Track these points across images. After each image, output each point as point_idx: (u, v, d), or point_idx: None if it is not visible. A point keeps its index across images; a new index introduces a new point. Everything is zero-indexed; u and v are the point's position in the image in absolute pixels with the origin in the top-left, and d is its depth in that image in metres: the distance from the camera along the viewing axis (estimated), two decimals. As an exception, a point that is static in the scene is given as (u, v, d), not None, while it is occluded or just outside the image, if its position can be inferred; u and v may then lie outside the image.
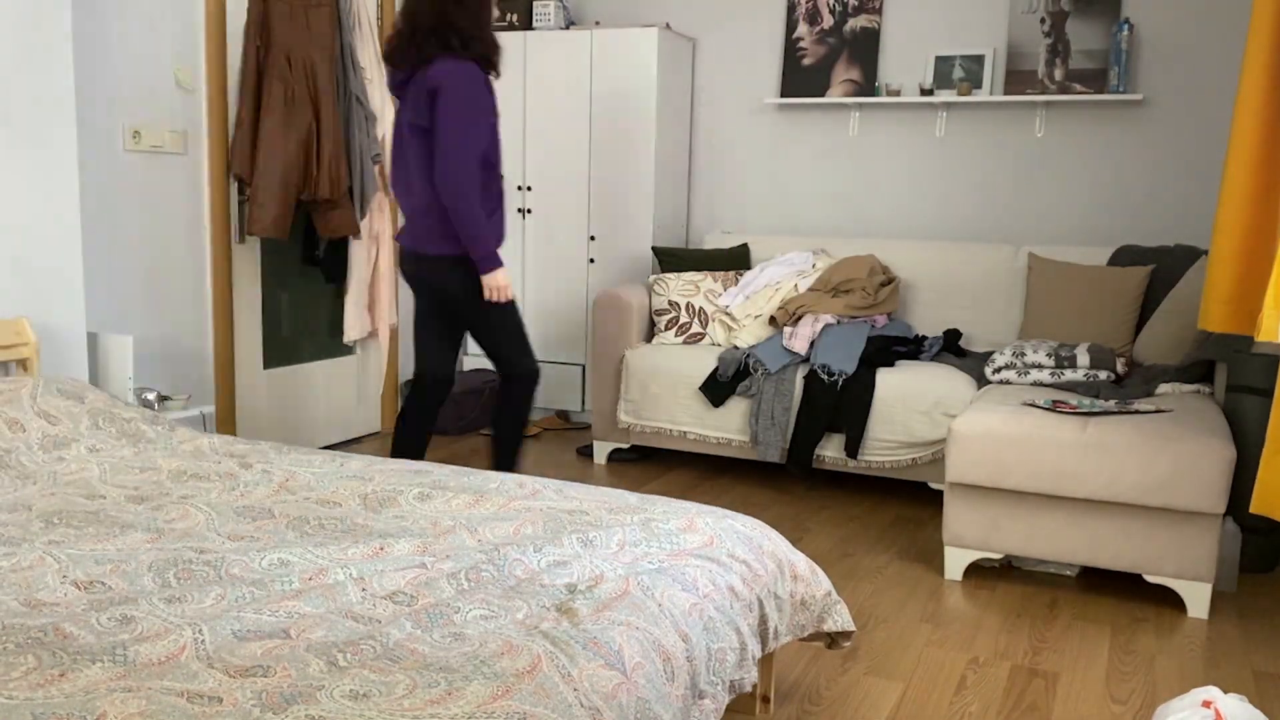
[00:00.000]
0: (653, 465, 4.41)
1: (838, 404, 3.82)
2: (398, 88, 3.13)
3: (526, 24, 4.99)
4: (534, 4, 4.97)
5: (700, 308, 4.36)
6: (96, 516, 2.03)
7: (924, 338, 4.17)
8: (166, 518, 2.04)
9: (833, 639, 2.26)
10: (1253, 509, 2.46)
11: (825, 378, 3.85)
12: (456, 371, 5.16)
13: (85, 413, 2.62)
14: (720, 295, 4.37)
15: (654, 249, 4.64)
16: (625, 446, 4.41)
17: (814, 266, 4.39)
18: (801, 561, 2.13)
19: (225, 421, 4.02)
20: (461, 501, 2.16)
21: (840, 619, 2.19)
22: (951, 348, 4.11)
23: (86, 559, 1.77)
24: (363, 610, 1.59)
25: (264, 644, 1.45)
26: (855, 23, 4.74)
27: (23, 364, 2.96)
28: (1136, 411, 3.11)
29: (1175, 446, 2.82)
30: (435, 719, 1.26)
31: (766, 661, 2.22)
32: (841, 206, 4.90)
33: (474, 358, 5.29)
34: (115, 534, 1.92)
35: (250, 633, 1.48)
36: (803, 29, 4.83)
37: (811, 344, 4.02)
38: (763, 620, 1.95)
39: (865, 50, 4.72)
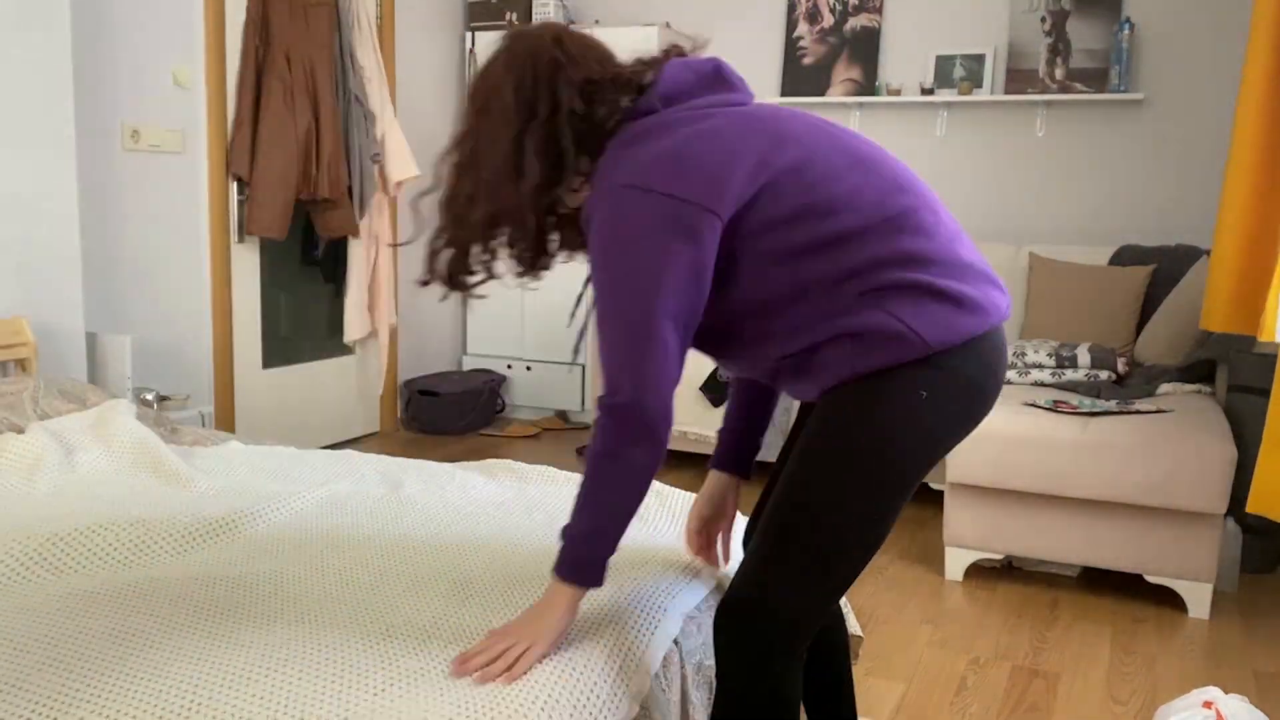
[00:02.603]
0: (653, 465, 4.40)
1: (838, 404, 3.82)
2: None
3: (526, 24, 4.99)
4: (534, 4, 4.96)
5: (700, 307, 4.35)
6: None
7: (924, 338, 4.16)
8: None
9: None
10: (1249, 508, 2.46)
11: (825, 378, 3.85)
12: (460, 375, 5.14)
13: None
14: None
15: (654, 249, 4.64)
16: (625, 446, 4.40)
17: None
18: None
19: (224, 421, 4.02)
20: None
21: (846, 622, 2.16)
22: (952, 348, 4.10)
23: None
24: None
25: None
26: (856, 22, 4.73)
27: (21, 364, 2.95)
28: (1137, 411, 3.10)
29: (1176, 446, 2.82)
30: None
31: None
32: (842, 206, 4.89)
33: (473, 358, 5.28)
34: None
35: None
36: (803, 28, 4.83)
37: (812, 344, 4.01)
38: None
39: (866, 49, 4.72)
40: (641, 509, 2.05)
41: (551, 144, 1.41)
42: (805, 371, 1.44)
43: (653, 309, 1.35)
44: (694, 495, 2.21)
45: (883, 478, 1.39)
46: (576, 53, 1.45)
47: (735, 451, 1.73)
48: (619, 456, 1.38)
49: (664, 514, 2.09)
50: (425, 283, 1.51)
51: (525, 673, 1.35)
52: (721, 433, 1.74)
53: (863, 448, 1.38)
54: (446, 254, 1.48)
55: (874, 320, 1.38)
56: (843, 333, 1.39)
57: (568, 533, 1.42)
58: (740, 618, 1.42)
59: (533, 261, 1.50)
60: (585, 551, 1.41)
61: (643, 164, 1.37)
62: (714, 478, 1.74)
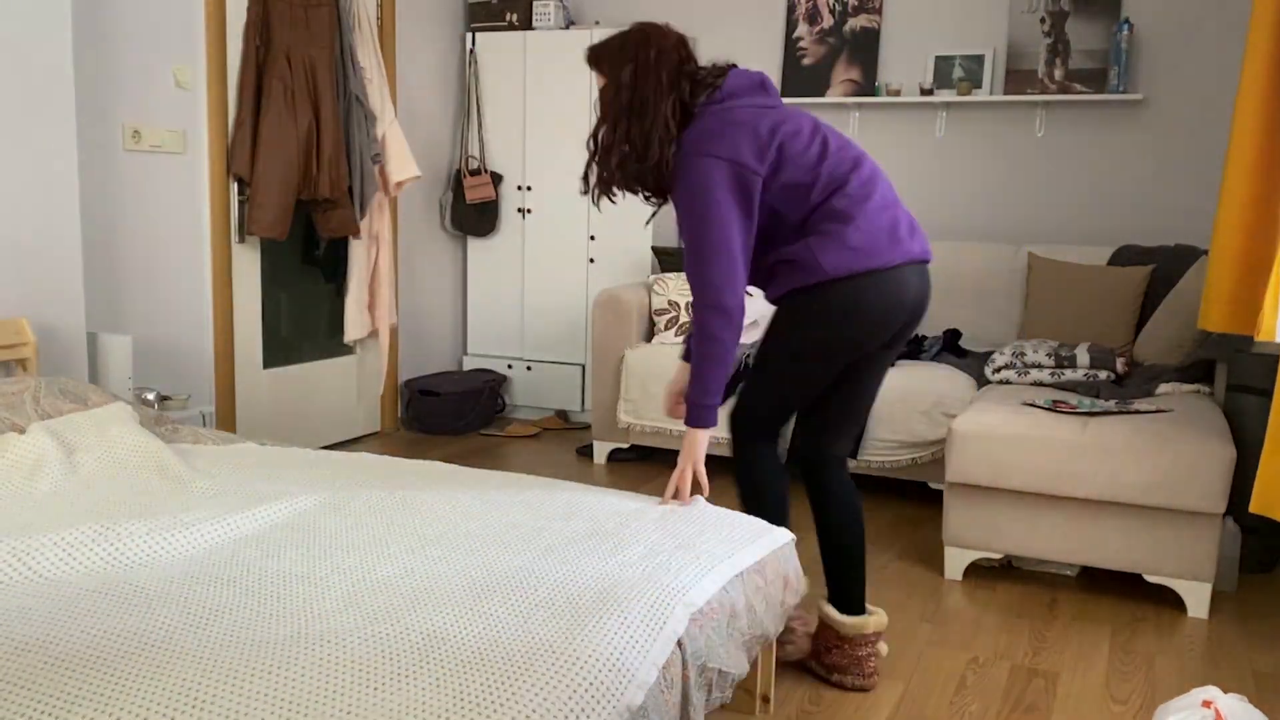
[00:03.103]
0: (652, 465, 4.40)
1: (838, 404, 3.82)
2: None
3: (526, 24, 4.99)
4: (534, 4, 4.97)
5: (700, 308, 4.36)
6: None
7: (924, 338, 4.17)
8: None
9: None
10: (1252, 509, 2.46)
11: (825, 378, 3.85)
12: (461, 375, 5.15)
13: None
14: None
15: (654, 249, 4.64)
16: (625, 446, 4.41)
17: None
18: (793, 570, 2.13)
19: (225, 421, 4.02)
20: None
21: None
22: (951, 348, 4.10)
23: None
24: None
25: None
26: (855, 22, 4.74)
27: (22, 364, 2.96)
28: (1136, 411, 3.10)
29: (1175, 446, 2.82)
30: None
31: (767, 661, 2.22)
32: (841, 206, 4.89)
33: (473, 358, 5.29)
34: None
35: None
36: (802, 29, 4.83)
37: (811, 344, 4.02)
38: (755, 636, 1.94)
39: (865, 50, 4.72)
40: (667, 513, 2.13)
41: (673, 114, 2.17)
42: (771, 279, 2.25)
43: (716, 234, 2.10)
44: (698, 496, 2.24)
45: (793, 354, 2.25)
46: (689, 55, 2.23)
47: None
48: (714, 337, 2.13)
49: (685, 523, 2.09)
50: (585, 192, 2.29)
51: (689, 491, 2.23)
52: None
53: (780, 335, 2.26)
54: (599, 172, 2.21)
55: (801, 253, 2.16)
56: (784, 259, 2.19)
57: (690, 398, 2.17)
58: (736, 418, 2.36)
59: (649, 187, 2.24)
60: (704, 403, 2.17)
61: (712, 137, 2.13)
62: (686, 367, 2.47)
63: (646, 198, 2.27)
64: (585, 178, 2.29)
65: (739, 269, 2.12)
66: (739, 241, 2.12)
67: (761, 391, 2.33)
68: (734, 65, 2.26)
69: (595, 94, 2.24)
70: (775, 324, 2.25)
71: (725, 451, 4.09)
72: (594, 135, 2.24)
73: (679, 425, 4.13)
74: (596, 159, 2.24)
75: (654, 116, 2.15)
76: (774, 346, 2.27)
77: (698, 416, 2.19)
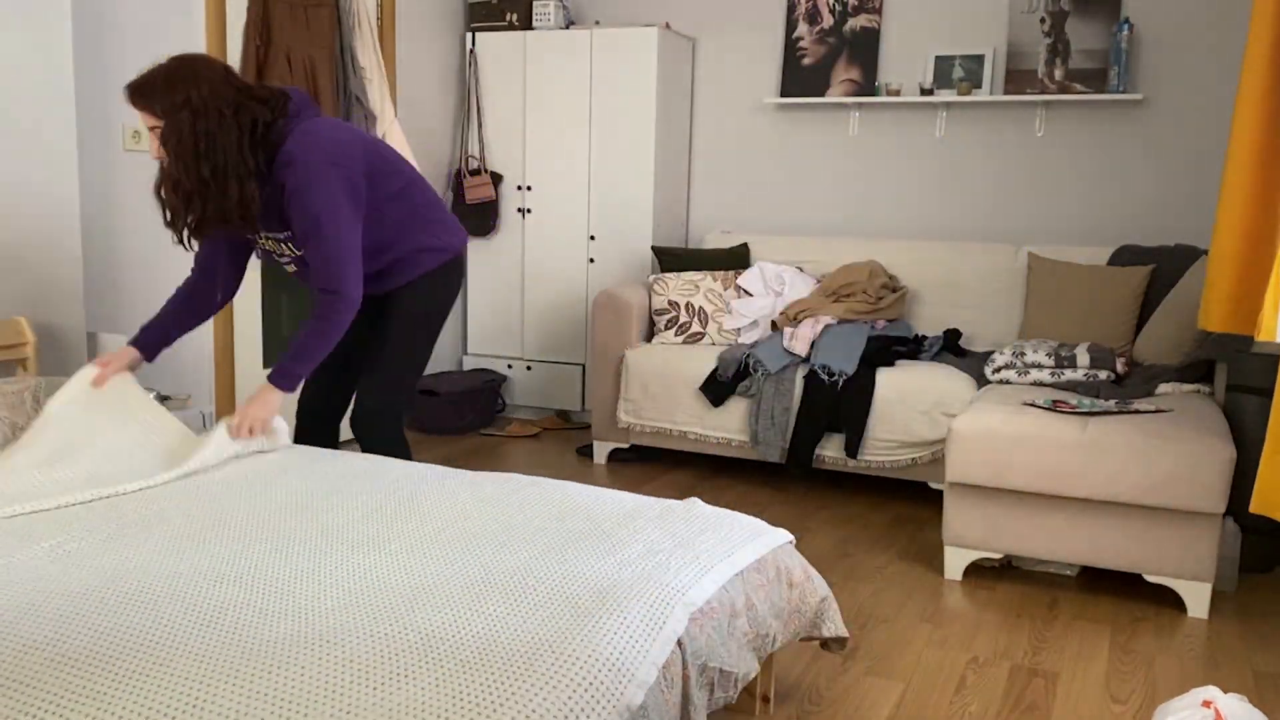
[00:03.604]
0: (652, 465, 4.40)
1: (837, 404, 3.82)
2: None
3: (526, 24, 4.99)
4: (534, 4, 4.97)
5: (700, 307, 4.36)
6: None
7: (924, 338, 4.17)
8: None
9: (826, 642, 2.26)
10: (1252, 509, 2.46)
11: (825, 378, 3.85)
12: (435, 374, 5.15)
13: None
14: (727, 315, 4.36)
15: (654, 249, 4.64)
16: (625, 446, 4.41)
17: (782, 294, 4.37)
18: (798, 567, 2.13)
19: (225, 421, 4.02)
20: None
21: (834, 625, 2.19)
22: (951, 348, 4.10)
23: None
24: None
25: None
26: (855, 22, 4.74)
27: (22, 364, 2.96)
28: (1136, 411, 3.11)
29: (1175, 446, 2.82)
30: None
31: (766, 661, 2.22)
32: (841, 206, 4.90)
33: (473, 357, 5.29)
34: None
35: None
36: (803, 29, 4.83)
37: (812, 344, 4.02)
38: (760, 635, 1.94)
39: (865, 50, 4.72)
40: (664, 513, 2.12)
41: (249, 147, 2.30)
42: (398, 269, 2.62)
43: (346, 231, 2.36)
44: (694, 499, 2.23)
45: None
46: (240, 81, 2.32)
47: (159, 342, 2.57)
48: (339, 322, 2.37)
49: (684, 522, 2.09)
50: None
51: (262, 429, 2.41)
52: (158, 325, 2.56)
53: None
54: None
55: (427, 240, 2.62)
56: (420, 248, 2.61)
57: (294, 367, 2.37)
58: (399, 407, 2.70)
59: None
60: (302, 373, 2.40)
61: (328, 146, 2.36)
62: (133, 351, 2.54)
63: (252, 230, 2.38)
64: (171, 225, 2.30)
65: (360, 262, 2.42)
66: (357, 237, 2.40)
67: (413, 371, 2.69)
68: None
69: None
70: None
71: (729, 452, 4.09)
72: (170, 183, 2.23)
73: (680, 425, 4.13)
74: (183, 205, 2.24)
75: (225, 154, 2.20)
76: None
77: (292, 382, 2.41)
